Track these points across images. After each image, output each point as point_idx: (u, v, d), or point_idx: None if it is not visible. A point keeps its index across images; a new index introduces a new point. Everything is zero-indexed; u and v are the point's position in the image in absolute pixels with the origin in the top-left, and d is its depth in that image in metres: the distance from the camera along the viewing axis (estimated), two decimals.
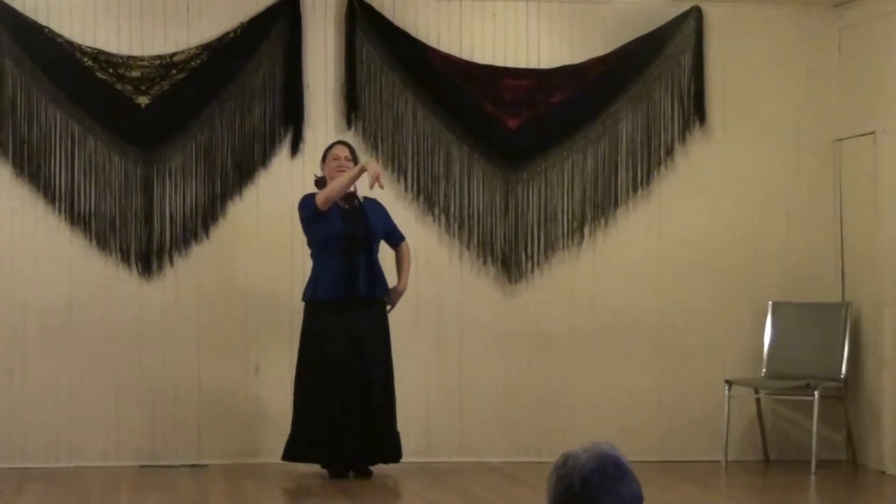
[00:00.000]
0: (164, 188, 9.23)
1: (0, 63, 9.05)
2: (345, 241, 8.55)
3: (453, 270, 9.48)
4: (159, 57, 9.20)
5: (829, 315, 9.43)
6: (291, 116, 9.31)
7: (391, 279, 8.72)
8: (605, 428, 9.25)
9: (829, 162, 9.70)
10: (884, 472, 9.07)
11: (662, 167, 9.64)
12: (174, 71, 9.21)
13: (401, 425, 8.65)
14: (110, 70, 9.15)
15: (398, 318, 8.85)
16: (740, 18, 9.68)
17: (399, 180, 9.40)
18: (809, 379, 9.16)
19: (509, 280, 9.52)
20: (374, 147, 9.37)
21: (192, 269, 9.24)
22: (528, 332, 9.49)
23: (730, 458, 9.34)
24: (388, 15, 9.42)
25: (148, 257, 9.20)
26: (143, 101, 9.19)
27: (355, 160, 8.73)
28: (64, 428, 9.09)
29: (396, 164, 9.41)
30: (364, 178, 8.48)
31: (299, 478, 8.71)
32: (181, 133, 9.24)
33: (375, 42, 9.39)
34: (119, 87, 9.15)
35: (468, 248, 9.49)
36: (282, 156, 9.33)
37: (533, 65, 9.54)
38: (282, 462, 8.68)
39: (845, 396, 9.37)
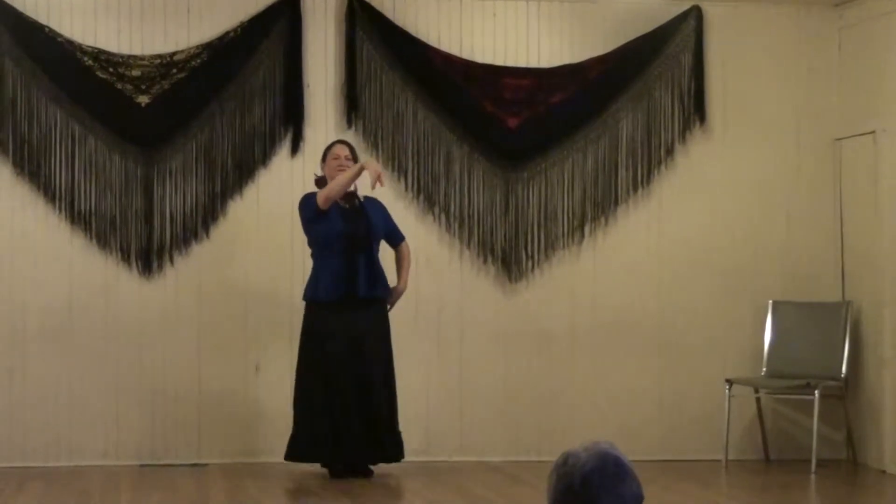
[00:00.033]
0: (164, 187, 9.23)
1: (0, 62, 9.06)
2: (345, 240, 8.54)
3: (453, 269, 9.48)
4: (160, 56, 9.20)
5: (830, 314, 9.43)
6: (292, 116, 9.31)
7: (391, 279, 8.72)
8: (606, 427, 9.25)
9: (829, 161, 9.70)
10: (884, 472, 9.07)
11: (662, 166, 9.64)
12: (174, 70, 9.21)
13: (401, 425, 8.64)
14: (111, 69, 9.15)
15: (398, 318, 8.85)
16: (740, 18, 9.68)
17: (399, 179, 9.40)
18: (809, 378, 9.16)
19: (509, 279, 9.52)
20: (375, 146, 9.37)
21: (192, 268, 9.24)
22: (528, 332, 9.49)
23: (730, 458, 9.34)
24: (389, 14, 9.42)
25: (148, 257, 9.20)
26: (143, 100, 9.20)
27: (355, 159, 8.73)
28: (64, 427, 9.09)
29: (396, 163, 9.41)
30: (365, 177, 8.47)
31: (300, 477, 8.71)
32: (181, 132, 9.24)
33: (376, 41, 9.39)
34: (119, 86, 9.15)
35: (468, 247, 9.49)
36: (282, 155, 9.33)
37: (533, 64, 9.54)
38: (282, 462, 8.68)
39: (845, 396, 9.37)
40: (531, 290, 9.52)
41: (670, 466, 9.15)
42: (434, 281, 9.40)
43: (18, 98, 9.08)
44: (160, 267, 9.21)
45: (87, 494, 8.15)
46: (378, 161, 9.12)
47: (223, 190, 9.28)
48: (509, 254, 9.51)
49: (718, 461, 9.33)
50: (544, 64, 9.54)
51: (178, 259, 9.23)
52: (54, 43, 9.08)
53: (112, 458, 9.12)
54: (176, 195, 9.24)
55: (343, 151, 8.73)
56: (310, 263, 8.68)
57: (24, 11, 9.07)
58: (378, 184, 8.36)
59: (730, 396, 9.29)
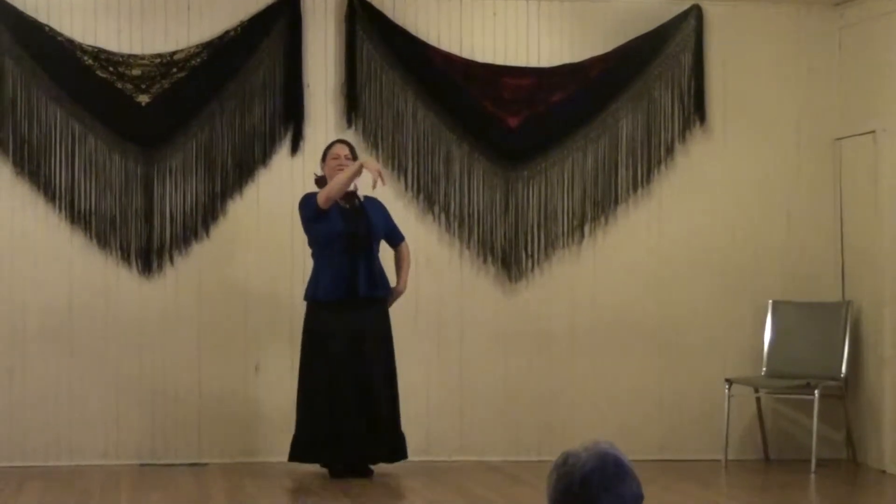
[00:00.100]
0: (164, 187, 9.22)
1: (0, 62, 9.05)
2: (345, 240, 8.54)
3: (453, 269, 9.48)
4: (160, 55, 9.20)
5: (829, 314, 9.43)
6: (292, 115, 9.30)
7: (391, 279, 8.71)
8: (605, 427, 9.25)
9: (829, 161, 9.70)
10: (884, 471, 9.06)
11: (662, 166, 9.64)
12: (174, 69, 9.21)
13: (401, 424, 8.64)
14: (111, 68, 9.14)
15: (398, 318, 8.84)
16: (740, 17, 9.68)
17: (399, 179, 9.40)
18: (809, 378, 9.16)
19: (509, 279, 9.52)
20: (375, 146, 9.37)
21: (192, 267, 9.24)
22: (528, 331, 9.49)
23: (730, 457, 9.34)
24: (389, 13, 9.42)
25: (148, 256, 9.19)
26: (143, 99, 9.19)
27: (355, 159, 8.72)
28: (64, 427, 9.09)
29: (396, 162, 9.41)
30: (366, 177, 8.47)
31: (299, 477, 8.70)
32: (181, 131, 9.24)
33: (375, 41, 9.39)
34: (119, 85, 9.15)
35: (468, 246, 9.49)
36: (282, 154, 9.33)
37: (533, 63, 9.54)
38: (282, 461, 8.68)
39: (845, 395, 9.37)
40: (531, 289, 9.52)
41: (670, 466, 9.15)
42: (434, 281, 9.40)
43: (18, 97, 9.08)
44: (160, 266, 9.21)
45: (87, 494, 8.15)
46: (378, 160, 9.12)
47: (223, 189, 9.28)
48: (509, 253, 9.51)
49: (718, 461, 9.33)
50: (544, 63, 9.54)
51: (178, 259, 9.23)
52: (54, 42, 9.08)
53: (112, 458, 9.12)
54: (176, 194, 9.24)
55: (343, 151, 8.73)
56: (310, 263, 8.68)
57: (24, 11, 9.07)
58: (379, 182, 8.36)
59: (729, 396, 9.29)
